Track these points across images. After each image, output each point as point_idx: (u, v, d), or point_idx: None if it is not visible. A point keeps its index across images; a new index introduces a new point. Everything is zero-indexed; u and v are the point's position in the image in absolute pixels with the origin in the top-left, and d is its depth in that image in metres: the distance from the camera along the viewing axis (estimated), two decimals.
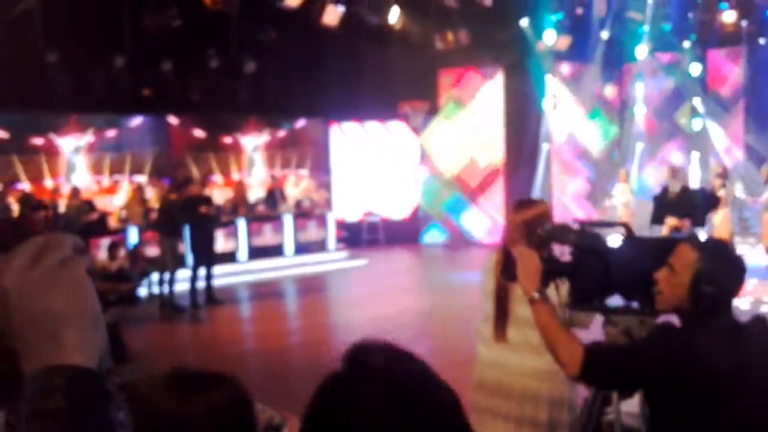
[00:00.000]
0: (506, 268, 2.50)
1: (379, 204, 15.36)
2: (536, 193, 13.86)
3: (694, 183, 13.46)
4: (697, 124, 15.58)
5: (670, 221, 2.40)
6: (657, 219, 2.37)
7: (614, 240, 2.46)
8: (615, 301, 2.48)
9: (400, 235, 15.10)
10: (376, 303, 9.93)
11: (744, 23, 14.39)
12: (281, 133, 14.41)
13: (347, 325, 9.02)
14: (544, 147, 14.19)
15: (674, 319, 2.34)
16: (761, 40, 14.56)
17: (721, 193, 10.21)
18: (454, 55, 13.34)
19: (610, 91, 15.19)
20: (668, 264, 2.30)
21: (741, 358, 2.14)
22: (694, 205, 2.57)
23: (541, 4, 12.29)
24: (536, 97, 13.93)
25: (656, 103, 15.73)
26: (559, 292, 2.53)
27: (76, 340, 0.78)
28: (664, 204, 3.00)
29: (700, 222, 2.30)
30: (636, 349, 2.37)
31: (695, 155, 15.22)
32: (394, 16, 11.50)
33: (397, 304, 9.73)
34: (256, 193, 13.59)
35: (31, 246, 0.81)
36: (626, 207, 11.72)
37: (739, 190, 10.22)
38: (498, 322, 3.09)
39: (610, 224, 2.60)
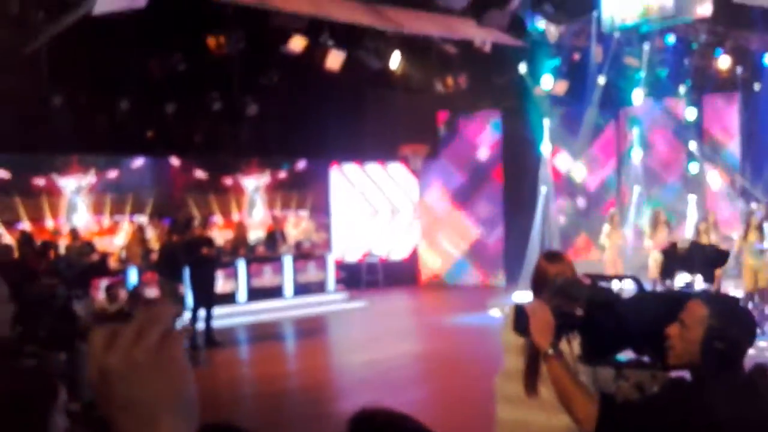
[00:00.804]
0: (519, 322, 2.51)
1: (379, 244, 15.40)
2: (535, 234, 13.89)
3: (690, 226, 13.54)
4: (693, 168, 15.74)
5: (681, 277, 2.43)
6: (667, 274, 2.39)
7: (625, 294, 2.48)
8: (626, 355, 2.49)
9: (400, 275, 15.12)
10: (375, 346, 9.89)
11: (739, 69, 14.63)
12: (282, 175, 14.50)
13: (346, 369, 8.97)
14: (543, 190, 14.27)
15: (686, 375, 2.36)
16: (756, 86, 14.79)
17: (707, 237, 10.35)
18: (453, 99, 13.52)
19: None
20: (680, 319, 2.32)
21: (754, 415, 2.15)
22: (704, 260, 2.60)
23: (539, 50, 12.50)
24: (534, 141, 14.07)
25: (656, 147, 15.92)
26: (571, 346, 2.54)
27: (171, 427, 0.77)
28: (674, 259, 3.06)
29: (709, 278, 2.32)
30: (650, 405, 2.38)
31: (692, 198, 15.33)
32: (396, 61, 11.68)
33: (395, 347, 9.69)
34: (256, 234, 13.62)
35: (137, 321, 0.80)
36: (615, 250, 11.70)
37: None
38: (529, 379, 3.02)
39: (620, 277, 2.63)
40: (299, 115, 12.88)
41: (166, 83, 11.11)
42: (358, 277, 14.82)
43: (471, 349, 8.91)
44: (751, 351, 2.31)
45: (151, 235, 11.76)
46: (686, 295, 2.41)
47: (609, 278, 2.71)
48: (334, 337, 11.52)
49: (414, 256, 15.71)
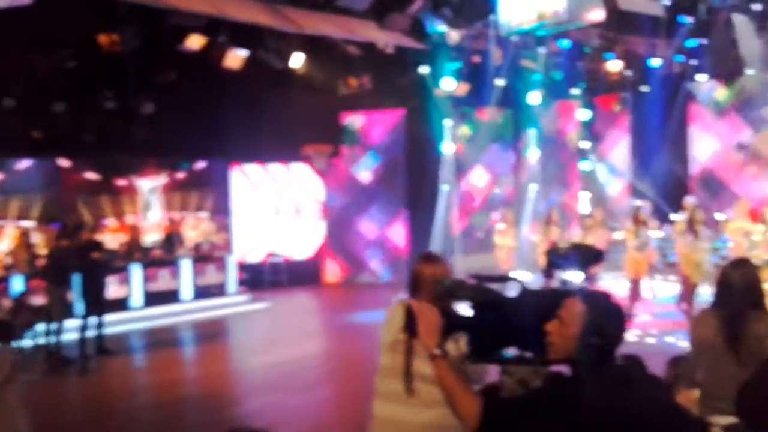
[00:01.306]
0: (408, 324, 2.52)
1: (282, 244, 15.25)
2: (437, 234, 14.13)
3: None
4: (586, 166, 16.44)
5: (560, 275, 2.52)
6: (547, 273, 2.47)
7: (509, 293, 2.54)
8: (511, 351, 2.54)
9: (304, 275, 15.02)
10: (278, 347, 9.77)
11: (628, 72, 15.37)
12: (180, 175, 14.09)
13: (248, 372, 8.81)
14: (444, 188, 14.53)
15: (565, 369, 2.44)
16: (644, 88, 15.59)
17: (595, 233, 10.86)
18: (357, 99, 13.55)
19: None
20: (559, 316, 2.39)
21: (626, 404, 2.24)
22: (581, 259, 2.70)
23: (440, 52, 12.70)
24: (436, 141, 14.31)
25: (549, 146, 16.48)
26: (458, 345, 2.58)
27: None
28: (555, 258, 3.13)
29: (586, 276, 2.41)
30: (531, 400, 2.43)
31: (585, 195, 16.00)
32: (298, 61, 11.57)
33: (299, 348, 9.61)
34: (152, 236, 13.17)
35: None
36: (507, 249, 12.07)
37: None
38: (407, 377, 3.07)
39: (504, 278, 2.69)
40: (198, 114, 12.56)
41: (54, 81, 10.58)
42: (262, 278, 14.62)
43: (375, 347, 8.92)
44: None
45: (38, 240, 11.15)
46: (565, 292, 2.48)
47: (494, 278, 2.77)
48: (235, 340, 11.30)
49: (319, 256, 15.63)
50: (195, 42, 10.37)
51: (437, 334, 2.39)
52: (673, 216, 11.16)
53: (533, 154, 16.21)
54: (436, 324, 2.40)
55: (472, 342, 2.49)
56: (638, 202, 11.18)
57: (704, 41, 14.40)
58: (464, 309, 2.53)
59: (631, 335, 9.66)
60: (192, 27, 10.24)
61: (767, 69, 14.06)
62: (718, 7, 13.33)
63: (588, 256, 2.67)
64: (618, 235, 11.41)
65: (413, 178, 14.66)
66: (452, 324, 2.48)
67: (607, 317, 2.34)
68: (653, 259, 10.99)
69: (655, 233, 11.06)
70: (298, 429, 6.29)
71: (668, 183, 14.87)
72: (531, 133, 16.15)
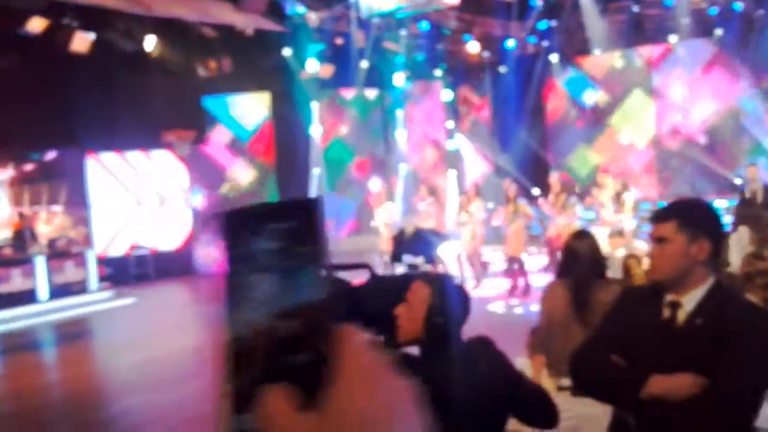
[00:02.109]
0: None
1: (147, 236, 14.64)
2: None
3: (453, 199, 14.55)
4: (452, 145, 16.93)
5: (407, 259, 2.62)
6: (395, 258, 2.55)
7: (358, 280, 2.57)
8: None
9: (173, 266, 14.50)
10: (146, 344, 9.41)
11: (486, 54, 15.92)
12: (29, 167, 13.14)
13: (114, 372, 8.43)
14: (315, 172, 14.49)
15: (415, 350, 2.51)
16: (501, 69, 16.21)
17: (470, 209, 11.25)
18: (218, 82, 13.18)
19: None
20: (406, 300, 2.46)
21: (470, 379, 2.34)
22: (427, 243, 2.82)
23: (303, 34, 12.59)
24: (303, 124, 14.22)
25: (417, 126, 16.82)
26: None
27: None
28: (401, 243, 3.27)
29: (430, 259, 2.52)
30: None
31: (452, 173, 16.48)
32: (150, 43, 11.08)
33: (168, 343, 9.30)
34: (0, 234, 12.24)
35: None
36: (387, 228, 12.26)
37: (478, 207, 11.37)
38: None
39: (353, 266, 2.71)
40: (46, 101, 11.74)
41: None
42: (127, 272, 14.00)
43: None
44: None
45: None
46: (412, 276, 2.55)
47: (345, 267, 2.80)
48: (99, 339, 10.77)
49: (188, 246, 15.14)
50: (36, 25, 9.69)
51: None
52: (535, 191, 11.72)
53: (402, 135, 16.48)
54: None
55: None
56: (507, 181, 11.62)
57: (554, 23, 15.17)
58: None
59: (500, 306, 10.13)
60: (32, 9, 9.54)
61: (612, 49, 15.01)
62: None
63: (433, 240, 2.74)
64: (491, 214, 11.81)
65: (282, 162, 14.50)
66: None
67: (451, 298, 2.43)
68: (526, 234, 11.50)
69: (524, 209, 11.57)
70: (173, 426, 6.12)
71: (529, 160, 15.61)
72: (398, 114, 16.40)
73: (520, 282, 10.72)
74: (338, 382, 0.52)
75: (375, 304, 2.52)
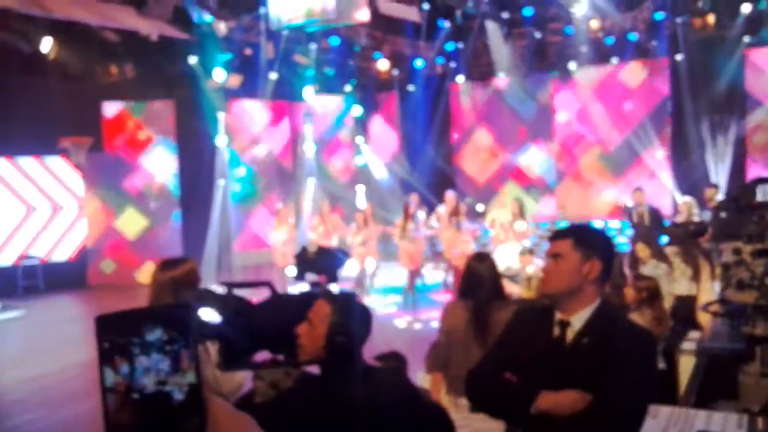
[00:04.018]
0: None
1: (38, 245, 13.89)
2: (213, 230, 13.80)
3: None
4: (360, 161, 17.04)
5: (309, 277, 2.62)
6: (298, 276, 2.55)
7: (259, 298, 2.54)
8: (264, 356, 2.56)
9: (65, 278, 13.80)
10: (34, 360, 8.92)
11: (395, 72, 16.16)
12: None
13: (2, 390, 7.93)
14: (221, 183, 14.21)
15: (316, 369, 2.51)
16: (410, 87, 16.50)
17: (368, 228, 11.36)
18: (120, 88, 12.73)
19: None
20: (308, 318, 2.46)
21: (369, 398, 2.36)
22: (330, 261, 2.84)
23: (210, 43, 12.37)
24: (210, 133, 13.93)
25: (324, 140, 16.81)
26: (209, 354, 2.54)
27: None
28: (304, 262, 3.28)
29: (333, 278, 2.54)
30: (283, 402, 2.47)
31: (361, 189, 16.59)
32: (47, 45, 10.57)
33: (58, 359, 8.84)
34: None
35: None
36: (285, 245, 12.14)
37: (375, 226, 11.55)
38: None
39: (254, 284, 2.68)
40: None
41: None
42: (14, 284, 13.23)
43: None
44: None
45: None
46: (314, 295, 2.55)
47: (244, 284, 2.76)
48: None
49: (82, 256, 14.47)
50: None
51: None
52: (439, 208, 11.95)
53: (309, 149, 16.43)
54: None
55: (221, 350, 2.46)
56: (410, 196, 11.80)
57: (461, 45, 15.61)
58: (212, 316, 2.50)
59: (401, 322, 10.24)
60: None
61: (515, 73, 15.57)
62: (472, 13, 14.51)
63: (335, 259, 2.75)
64: (391, 228, 11.95)
65: (187, 172, 14.13)
66: (201, 333, 2.43)
67: (353, 316, 2.44)
68: (423, 249, 11.69)
69: (424, 224, 11.78)
70: None
71: (435, 177, 15.93)
72: (307, 129, 16.35)
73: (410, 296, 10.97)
74: None
75: (275, 322, 2.50)
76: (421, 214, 11.89)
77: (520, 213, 11.05)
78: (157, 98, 13.67)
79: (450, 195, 11.88)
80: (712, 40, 13.24)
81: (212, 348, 2.51)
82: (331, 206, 12.00)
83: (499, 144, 16.24)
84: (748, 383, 3.11)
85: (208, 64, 12.88)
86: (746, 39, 12.85)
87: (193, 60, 12.79)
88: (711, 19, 13.31)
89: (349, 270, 11.95)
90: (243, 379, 2.85)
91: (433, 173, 16.03)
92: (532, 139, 15.89)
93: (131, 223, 14.38)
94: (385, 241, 12.57)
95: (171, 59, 12.56)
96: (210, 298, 2.50)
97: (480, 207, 14.25)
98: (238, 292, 2.68)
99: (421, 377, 4.60)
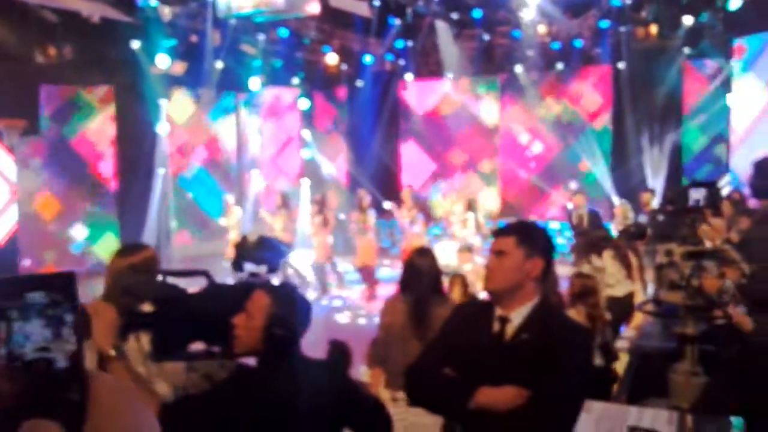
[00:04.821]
0: (79, 324, 2.32)
1: None
2: (152, 218, 13.48)
3: (304, 207, 14.50)
4: (306, 153, 16.92)
5: (248, 267, 2.57)
6: (237, 266, 2.50)
7: (195, 287, 2.47)
8: (199, 347, 2.49)
9: None
10: None
11: (344, 66, 16.07)
12: None
13: None
14: (161, 172, 13.88)
15: (252, 361, 2.45)
16: (358, 83, 16.43)
17: (316, 219, 11.30)
18: (58, 71, 12.27)
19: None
20: (245, 309, 2.40)
21: (305, 393, 2.32)
22: (270, 251, 2.78)
23: (154, 28, 12.05)
24: (151, 120, 13.58)
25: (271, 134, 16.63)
26: (140, 344, 2.46)
27: None
28: (243, 251, 3.21)
29: (274, 268, 2.48)
30: (217, 394, 2.41)
31: (306, 182, 16.48)
32: None
33: None
34: None
35: None
36: (236, 229, 12.02)
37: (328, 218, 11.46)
38: None
39: (190, 273, 2.61)
40: None
41: None
42: None
43: None
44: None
45: None
46: (251, 286, 2.49)
47: (182, 273, 2.68)
48: None
49: (12, 243, 13.89)
50: None
51: (112, 333, 2.24)
52: (386, 204, 11.93)
53: (255, 140, 16.22)
54: (112, 324, 2.25)
55: (155, 340, 2.38)
56: (362, 192, 11.75)
57: (411, 43, 15.64)
58: (147, 306, 2.42)
59: (344, 317, 10.22)
60: None
61: (463, 73, 15.69)
62: (423, 12, 14.55)
63: (276, 250, 2.70)
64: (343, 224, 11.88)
65: (125, 160, 13.74)
66: (133, 322, 2.35)
67: (292, 309, 2.40)
68: (377, 245, 11.66)
69: (370, 221, 11.75)
70: None
71: (382, 174, 15.93)
72: (252, 119, 16.13)
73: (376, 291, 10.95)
74: (95, 423, 0.57)
75: (211, 312, 2.43)
76: (373, 211, 11.87)
77: (471, 207, 11.17)
78: (96, 83, 13.25)
79: (407, 192, 11.84)
80: (653, 49, 13.61)
81: (144, 337, 2.43)
82: (282, 200, 11.86)
83: (444, 143, 16.34)
84: (679, 381, 3.19)
85: (151, 50, 12.54)
86: (686, 50, 13.25)
87: (135, 45, 12.43)
88: (653, 29, 13.67)
89: (299, 261, 11.88)
90: (179, 373, 2.76)
91: (379, 169, 16.03)
92: (476, 142, 16.03)
93: None
94: (340, 235, 12.50)
95: (112, 43, 12.18)
96: (143, 286, 2.42)
97: (426, 203, 14.35)
98: (175, 281, 2.61)
99: (362, 372, 4.59)
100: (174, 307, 2.36)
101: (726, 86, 13.01)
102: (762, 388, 3.65)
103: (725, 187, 11.16)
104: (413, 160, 16.59)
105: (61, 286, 0.85)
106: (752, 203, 5.48)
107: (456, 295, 5.00)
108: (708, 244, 3.36)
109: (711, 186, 3.25)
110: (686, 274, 3.10)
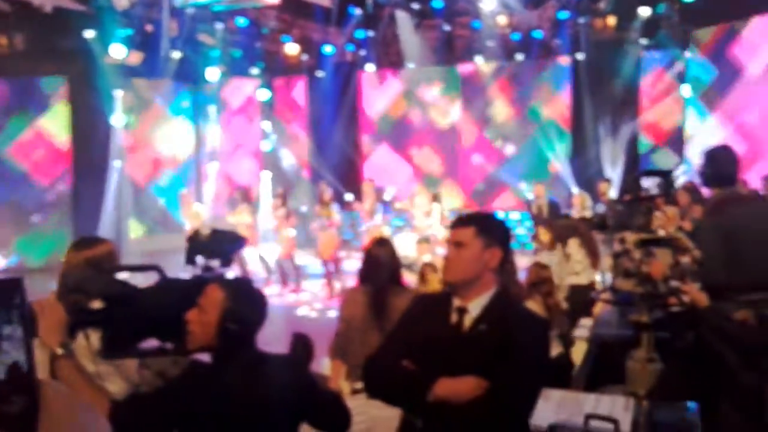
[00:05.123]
0: (27, 332, 2.24)
1: None
2: (108, 213, 13.20)
3: (265, 200, 14.38)
4: (266, 145, 16.74)
5: (201, 261, 2.51)
6: (189, 260, 2.44)
7: (146, 283, 2.41)
8: (151, 343, 2.43)
9: None
10: None
11: (304, 57, 15.93)
12: None
13: None
14: (116, 164, 13.60)
15: (207, 357, 2.40)
16: (319, 73, 16.30)
17: (279, 213, 11.20)
18: (9, 61, 11.93)
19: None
20: (198, 304, 2.35)
21: (262, 386, 2.28)
22: (224, 245, 2.73)
23: (108, 17, 11.76)
24: (105, 112, 13.28)
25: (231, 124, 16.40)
26: (89, 342, 2.39)
27: None
28: (196, 245, 3.13)
29: (227, 262, 2.44)
30: (170, 391, 2.35)
31: (267, 175, 16.34)
32: None
33: None
34: None
35: None
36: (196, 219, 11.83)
37: (302, 207, 11.38)
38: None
39: (141, 268, 2.55)
40: None
41: None
42: None
43: None
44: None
45: None
46: (205, 280, 2.43)
47: (133, 268, 2.62)
48: None
49: None
50: None
51: (60, 332, 2.18)
52: (348, 197, 11.87)
53: (214, 132, 15.99)
54: (59, 321, 2.18)
55: (104, 337, 2.32)
56: (323, 184, 11.69)
57: (372, 33, 15.57)
58: (96, 302, 2.36)
59: (311, 310, 10.16)
60: None
61: (424, 63, 15.68)
62: (384, 2, 14.50)
63: (229, 242, 2.64)
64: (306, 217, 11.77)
65: (80, 152, 13.42)
66: (81, 320, 2.29)
67: (246, 303, 2.36)
68: (340, 238, 11.58)
69: (333, 214, 11.68)
70: None
71: (343, 166, 15.85)
72: (211, 110, 15.89)
73: (336, 285, 10.87)
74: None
75: (163, 308, 2.37)
76: (335, 204, 11.78)
77: (436, 198, 11.21)
78: (49, 73, 12.91)
79: (368, 185, 11.80)
80: (611, 41, 13.77)
81: (93, 335, 2.36)
82: (243, 194, 11.74)
83: (406, 135, 16.33)
84: (635, 368, 3.23)
85: (106, 40, 12.25)
86: (643, 41, 13.44)
87: (89, 34, 12.13)
88: (611, 20, 13.83)
89: (261, 255, 11.76)
90: (131, 371, 2.69)
91: (341, 162, 15.95)
92: (438, 132, 16.05)
93: None
94: (303, 228, 12.40)
95: (65, 33, 11.86)
96: (92, 282, 2.35)
97: (388, 195, 14.33)
98: (123, 277, 2.54)
99: (325, 364, 4.56)
100: (124, 303, 2.30)
101: (682, 77, 13.25)
102: (715, 373, 3.72)
103: (681, 177, 11.40)
104: (377, 155, 16.55)
105: (4, 294, 0.81)
106: (705, 192, 5.59)
107: (433, 283, 5.00)
108: (661, 233, 3.40)
109: (664, 174, 3.28)
110: (637, 261, 3.14)
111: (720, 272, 3.43)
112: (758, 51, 11.81)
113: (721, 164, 3.91)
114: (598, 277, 7.30)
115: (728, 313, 3.35)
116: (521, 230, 13.37)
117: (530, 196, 11.58)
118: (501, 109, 15.36)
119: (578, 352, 4.39)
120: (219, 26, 13.89)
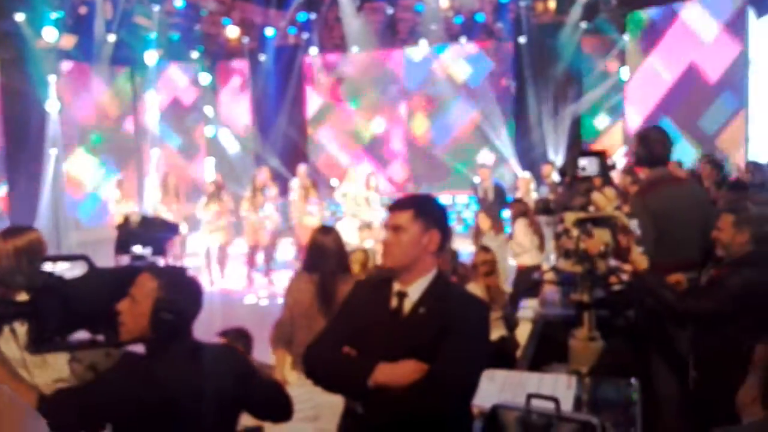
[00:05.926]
0: None
1: None
2: (45, 203, 12.75)
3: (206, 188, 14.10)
4: (209, 132, 16.41)
5: (133, 250, 2.43)
6: (121, 248, 2.35)
7: (74, 273, 2.31)
8: (82, 336, 2.34)
9: None
10: None
11: (246, 40, 15.64)
12: None
13: None
14: (52, 153, 13.13)
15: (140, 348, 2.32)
16: (261, 57, 16.03)
17: (218, 201, 11.05)
18: None
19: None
20: (130, 294, 2.27)
21: (196, 379, 2.22)
22: (156, 233, 2.65)
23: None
24: (39, 98, 12.77)
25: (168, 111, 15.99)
26: (16, 335, 2.29)
27: None
28: (127, 232, 3.03)
29: (160, 251, 2.37)
30: (102, 384, 2.27)
31: (210, 160, 16.05)
32: None
33: None
34: None
35: None
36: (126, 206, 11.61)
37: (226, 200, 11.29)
38: None
39: (69, 258, 2.45)
40: None
41: None
42: None
43: None
44: None
45: None
46: (137, 269, 2.35)
47: (56, 258, 2.53)
48: None
49: None
50: None
51: None
52: (294, 183, 11.77)
53: (153, 117, 15.57)
54: None
55: (31, 330, 2.22)
56: (257, 170, 11.57)
57: (314, 16, 15.37)
58: (21, 294, 2.25)
59: (249, 299, 10.05)
60: None
61: (367, 47, 15.58)
62: None
63: (161, 230, 2.56)
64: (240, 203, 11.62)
65: (13, 141, 12.89)
66: (7, 313, 2.19)
67: (180, 292, 2.29)
68: (275, 224, 11.45)
69: (275, 198, 11.56)
70: None
71: (287, 150, 15.67)
72: (149, 96, 15.45)
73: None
74: None
75: (93, 299, 2.29)
76: (273, 189, 11.64)
77: (369, 185, 11.19)
78: None
79: (302, 169, 11.77)
80: (552, 24, 13.93)
81: (21, 328, 2.26)
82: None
83: (352, 118, 16.25)
84: (577, 347, 3.27)
85: (38, 23, 11.75)
86: (583, 25, 13.62)
87: (20, 17, 11.61)
88: (552, 4, 13.98)
89: (198, 246, 11.56)
90: (61, 365, 2.59)
91: (286, 147, 15.76)
92: (387, 114, 16.01)
93: None
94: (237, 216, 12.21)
95: None
96: (13, 274, 2.25)
97: (334, 181, 14.24)
98: (51, 267, 2.43)
99: (270, 354, 4.50)
100: (50, 294, 2.20)
101: (621, 59, 13.51)
102: (653, 349, 3.81)
103: (622, 158, 11.65)
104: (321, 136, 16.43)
105: None
106: (640, 173, 5.71)
107: (356, 271, 4.98)
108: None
109: (599, 155, 3.31)
110: (575, 239, 3.17)
111: (650, 251, 3.51)
112: (695, 34, 12.13)
113: (652, 145, 3.99)
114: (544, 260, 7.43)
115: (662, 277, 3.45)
116: (468, 213, 13.48)
117: (476, 179, 11.66)
118: (450, 92, 15.42)
119: (523, 333, 4.44)
120: (155, 8, 13.49)
